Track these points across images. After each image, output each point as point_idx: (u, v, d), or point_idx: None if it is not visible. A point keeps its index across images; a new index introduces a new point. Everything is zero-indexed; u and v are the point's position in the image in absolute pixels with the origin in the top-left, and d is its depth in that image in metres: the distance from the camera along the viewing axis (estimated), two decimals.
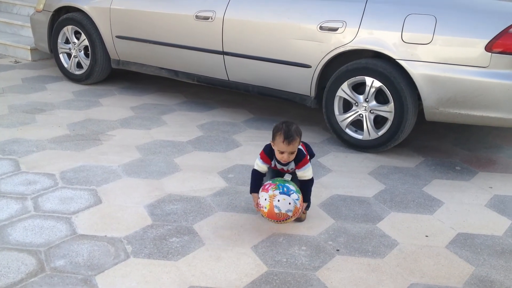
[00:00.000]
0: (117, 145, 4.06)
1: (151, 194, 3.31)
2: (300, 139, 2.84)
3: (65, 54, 5.69)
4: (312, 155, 3.05)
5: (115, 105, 5.01)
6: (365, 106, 3.98)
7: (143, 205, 3.17)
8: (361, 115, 4.02)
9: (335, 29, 3.98)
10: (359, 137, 4.07)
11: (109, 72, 5.55)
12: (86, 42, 5.40)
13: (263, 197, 2.81)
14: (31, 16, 6.15)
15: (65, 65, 5.68)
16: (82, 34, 5.41)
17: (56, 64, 5.78)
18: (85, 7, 5.35)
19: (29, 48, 6.52)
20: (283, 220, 2.80)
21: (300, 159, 2.88)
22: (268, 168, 2.98)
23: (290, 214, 2.78)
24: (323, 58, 4.07)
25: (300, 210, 2.84)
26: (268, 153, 2.90)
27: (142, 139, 4.19)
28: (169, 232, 2.89)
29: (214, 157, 3.92)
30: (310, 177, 2.92)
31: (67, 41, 5.62)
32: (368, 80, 3.92)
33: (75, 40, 5.52)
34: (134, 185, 3.42)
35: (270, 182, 2.86)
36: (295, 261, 2.68)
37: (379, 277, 2.58)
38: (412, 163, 3.92)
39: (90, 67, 5.46)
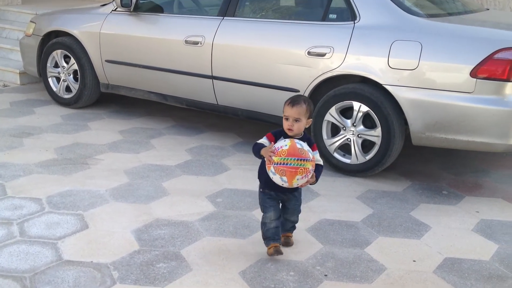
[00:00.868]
0: (105, 169, 4.04)
1: (138, 219, 3.29)
2: (308, 110, 2.72)
3: (54, 78, 5.69)
4: None
5: (103, 129, 5.01)
6: (353, 131, 4.01)
7: (130, 230, 3.15)
8: (349, 139, 4.05)
9: (323, 55, 4.03)
10: (347, 161, 4.09)
11: (98, 96, 5.56)
12: (75, 66, 5.42)
13: (282, 141, 2.69)
14: (20, 40, 6.17)
15: (54, 89, 5.68)
16: (72, 58, 5.43)
17: (45, 88, 5.78)
18: (74, 32, 5.37)
19: (18, 71, 6.52)
20: (303, 160, 2.60)
21: (312, 142, 2.79)
22: (268, 195, 2.85)
23: (310, 155, 2.65)
24: (311, 83, 4.11)
25: (311, 171, 2.67)
26: (274, 133, 2.80)
27: (130, 163, 4.18)
28: (156, 258, 2.87)
29: (202, 181, 3.92)
30: (322, 163, 2.82)
31: (56, 65, 5.63)
32: (356, 104, 3.96)
33: (64, 64, 5.54)
34: (121, 210, 3.40)
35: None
36: (283, 286, 2.67)
37: None
38: (400, 187, 3.94)
39: (79, 91, 5.46)
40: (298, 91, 4.17)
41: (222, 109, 4.72)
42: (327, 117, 4.08)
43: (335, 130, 4.14)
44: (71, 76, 5.54)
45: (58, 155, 4.28)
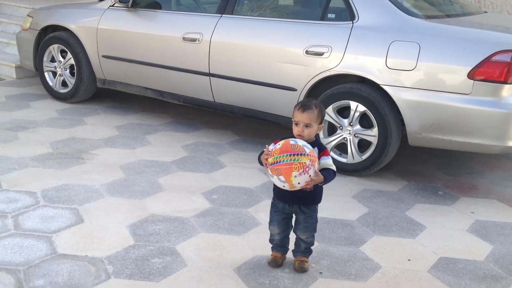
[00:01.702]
0: (100, 164, 4.03)
1: (133, 214, 3.28)
2: (320, 115, 2.61)
3: (50, 73, 5.67)
4: None
5: (99, 124, 4.99)
6: (350, 130, 4.02)
7: (125, 225, 3.14)
8: (345, 139, 4.05)
9: (321, 54, 4.03)
10: (343, 160, 4.09)
11: (94, 91, 5.54)
12: (72, 61, 5.40)
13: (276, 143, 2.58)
14: (17, 34, 6.14)
15: (50, 83, 5.66)
16: (68, 53, 5.41)
17: (41, 82, 5.75)
18: (72, 26, 5.35)
19: (14, 65, 6.49)
20: (296, 154, 2.44)
21: (323, 148, 2.64)
22: (275, 207, 2.75)
23: (307, 150, 2.46)
24: (308, 82, 4.11)
25: (316, 164, 2.48)
26: (282, 139, 2.64)
27: (126, 159, 4.17)
28: (151, 253, 2.86)
29: (198, 177, 3.91)
30: (334, 169, 2.62)
31: (52, 60, 5.61)
32: (353, 104, 3.96)
33: (61, 59, 5.52)
34: (116, 205, 3.39)
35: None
36: (278, 283, 2.67)
37: None
38: (395, 187, 3.95)
39: (75, 86, 5.44)
40: (295, 89, 4.17)
41: (219, 107, 4.71)
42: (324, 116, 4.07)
43: (331, 129, 4.14)
44: (68, 70, 5.52)
45: (53, 149, 4.27)
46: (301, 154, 2.44)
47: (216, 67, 4.53)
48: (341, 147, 4.12)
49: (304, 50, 4.09)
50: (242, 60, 4.40)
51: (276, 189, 2.67)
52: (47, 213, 3.22)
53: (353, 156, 4.04)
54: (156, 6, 5.07)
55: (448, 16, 4.34)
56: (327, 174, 2.57)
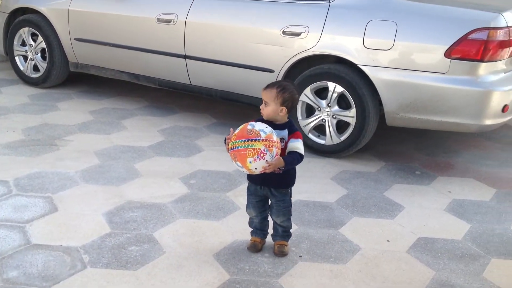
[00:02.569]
0: (74, 151, 3.94)
1: (109, 201, 3.22)
2: (279, 96, 2.53)
3: (21, 57, 5.52)
4: None
5: (73, 109, 4.88)
6: (328, 111, 3.99)
7: (101, 213, 3.08)
8: (323, 120, 4.03)
9: (298, 34, 3.98)
10: (322, 142, 4.07)
11: (67, 75, 5.41)
12: (43, 45, 5.26)
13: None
14: None
15: (21, 68, 5.51)
16: (39, 36, 5.26)
17: (12, 67, 5.60)
18: (42, 9, 5.20)
19: None
20: (250, 140, 2.41)
21: (294, 130, 2.59)
22: (249, 190, 2.72)
23: (262, 135, 2.41)
24: (286, 63, 4.06)
25: (274, 149, 2.42)
26: (257, 119, 2.62)
27: (101, 144, 4.09)
28: (128, 241, 2.81)
29: (175, 162, 3.86)
30: (302, 153, 2.57)
31: (23, 43, 5.46)
32: (331, 85, 3.93)
33: (32, 43, 5.37)
34: (92, 192, 3.32)
35: None
36: (257, 268, 2.65)
37: (341, 283, 2.57)
38: (374, 168, 3.95)
39: (47, 70, 5.31)
40: (272, 71, 4.12)
41: (195, 90, 4.64)
42: (302, 97, 4.04)
43: (310, 110, 4.11)
44: (39, 54, 5.37)
45: (25, 136, 4.16)
46: (255, 140, 2.41)
47: (192, 49, 4.45)
48: (320, 129, 4.10)
49: (281, 31, 4.03)
50: (218, 42, 4.33)
51: (251, 174, 2.62)
52: (20, 202, 3.14)
53: (331, 137, 4.02)
54: None
55: None
56: (289, 158, 2.53)
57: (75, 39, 5.05)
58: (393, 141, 4.49)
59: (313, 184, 3.62)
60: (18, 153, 3.84)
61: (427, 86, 3.62)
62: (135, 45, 4.74)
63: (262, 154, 2.40)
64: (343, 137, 3.98)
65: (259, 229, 2.81)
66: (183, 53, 4.50)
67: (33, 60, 5.41)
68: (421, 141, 4.53)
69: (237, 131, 2.49)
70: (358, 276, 2.63)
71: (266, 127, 2.47)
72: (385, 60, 3.71)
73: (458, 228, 3.13)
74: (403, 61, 3.67)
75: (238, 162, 2.46)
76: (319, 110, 4.03)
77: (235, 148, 2.44)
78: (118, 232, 2.89)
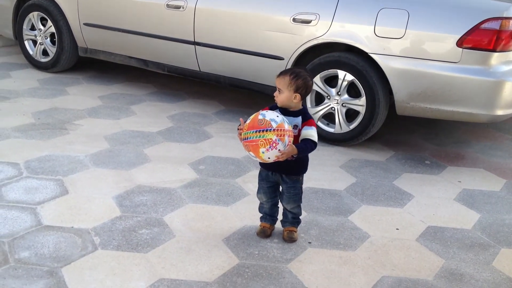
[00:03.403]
0: (84, 135, 3.95)
1: (119, 185, 3.23)
2: (292, 83, 2.52)
3: (31, 41, 5.52)
4: None
5: (82, 94, 4.88)
6: (337, 100, 3.98)
7: (111, 196, 3.09)
8: (333, 109, 4.02)
9: (308, 22, 3.96)
10: (331, 130, 4.06)
11: (76, 60, 5.41)
12: (53, 29, 5.25)
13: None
14: None
15: (31, 52, 5.51)
16: (49, 20, 5.25)
17: (21, 51, 5.60)
18: None
19: None
20: (261, 131, 2.40)
21: (308, 117, 2.58)
22: (261, 176, 2.74)
23: (274, 125, 2.40)
24: (296, 51, 4.04)
25: (286, 138, 2.41)
26: (271, 107, 2.61)
27: (111, 129, 4.10)
28: (139, 224, 2.83)
29: (184, 148, 3.86)
30: (315, 140, 2.55)
31: (32, 28, 5.45)
32: (341, 73, 3.92)
33: (41, 27, 5.36)
34: (102, 176, 3.33)
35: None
36: (267, 253, 2.66)
37: (350, 269, 2.58)
38: (383, 157, 3.94)
39: (56, 55, 5.30)
40: (282, 58, 4.10)
41: (204, 76, 4.63)
42: None
43: (319, 99, 4.10)
44: (48, 39, 5.37)
45: (35, 120, 4.17)
46: (267, 130, 2.40)
47: (201, 35, 4.44)
48: (329, 117, 4.09)
49: (291, 18, 4.01)
50: (228, 28, 4.31)
51: None
52: (31, 184, 3.15)
53: (340, 126, 4.01)
54: None
55: None
56: (302, 145, 2.53)
57: (85, 24, 5.04)
58: (402, 130, 4.48)
59: (322, 172, 3.61)
60: (29, 136, 3.85)
61: (439, 76, 3.60)
62: (144, 31, 4.72)
63: (274, 144, 2.40)
64: (352, 126, 3.97)
65: (268, 215, 2.81)
66: (193, 40, 4.49)
67: (42, 44, 5.41)
68: (431, 131, 4.52)
69: (248, 121, 2.49)
70: (367, 263, 2.63)
71: (277, 116, 2.46)
72: (396, 49, 3.69)
73: (468, 218, 3.13)
74: (414, 50, 3.65)
75: (251, 153, 2.47)
76: (329, 99, 4.02)
77: (247, 138, 2.44)
78: (129, 215, 2.90)
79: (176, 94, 5.08)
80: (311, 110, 4.08)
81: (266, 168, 2.68)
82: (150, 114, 4.50)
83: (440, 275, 2.57)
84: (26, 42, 5.52)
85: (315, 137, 2.55)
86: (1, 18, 5.74)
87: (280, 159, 2.47)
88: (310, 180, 3.45)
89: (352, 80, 3.88)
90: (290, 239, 2.77)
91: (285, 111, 2.57)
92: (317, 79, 4.00)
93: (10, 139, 3.77)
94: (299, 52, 4.04)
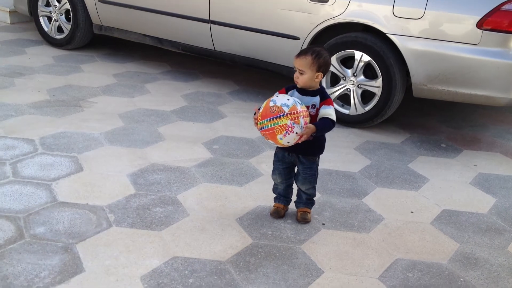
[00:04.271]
0: (98, 112, 3.95)
1: (134, 163, 3.24)
2: (315, 62, 2.48)
3: (45, 18, 5.50)
4: None
5: (96, 72, 4.88)
6: (353, 81, 3.94)
7: (125, 174, 3.10)
8: (348, 90, 3.98)
9: (325, 1, 3.90)
10: (346, 111, 4.03)
11: (90, 37, 5.40)
12: (68, 6, 5.23)
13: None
14: None
15: (45, 29, 5.51)
16: None
17: (36, 27, 5.59)
18: None
19: (8, 10, 6.30)
20: (274, 118, 2.39)
21: (326, 97, 2.55)
22: (276, 156, 2.72)
23: (286, 109, 2.38)
24: (312, 30, 3.99)
25: (301, 119, 2.40)
26: (288, 87, 2.61)
27: (125, 107, 4.10)
28: (153, 202, 2.84)
29: (198, 127, 3.85)
30: (334, 119, 2.52)
31: (47, 4, 5.43)
32: (357, 54, 3.87)
33: (56, 3, 5.34)
34: (116, 154, 3.34)
35: None
36: (280, 234, 2.65)
37: (364, 251, 2.57)
38: (398, 140, 3.91)
39: (71, 32, 5.29)
40: (298, 38, 4.06)
41: (219, 55, 4.60)
42: None
43: (334, 79, 4.06)
44: (63, 16, 5.35)
45: (50, 97, 4.18)
46: (280, 117, 2.39)
47: (217, 14, 4.39)
48: (344, 98, 4.05)
49: None
50: (243, 7, 4.26)
51: None
52: (46, 161, 3.17)
53: (356, 107, 3.97)
54: None
55: None
56: (321, 123, 2.51)
57: (100, 1, 5.02)
58: (418, 113, 4.43)
59: (337, 153, 3.59)
60: (44, 113, 3.86)
61: (457, 57, 3.54)
62: (160, 9, 4.69)
63: (290, 129, 2.40)
64: (367, 108, 3.94)
65: (283, 196, 2.81)
66: (208, 18, 4.45)
67: (57, 21, 5.40)
68: (447, 114, 4.47)
69: (261, 110, 2.47)
70: (381, 245, 2.62)
71: (288, 99, 2.43)
72: (415, 30, 3.63)
73: (484, 202, 3.10)
74: (433, 31, 3.59)
75: (269, 141, 2.47)
76: (344, 80, 3.98)
77: (263, 128, 2.45)
78: (143, 193, 2.91)
79: (190, 73, 5.06)
80: (327, 91, 4.02)
81: (283, 149, 2.66)
82: (165, 93, 4.49)
83: (454, 259, 2.56)
84: (41, 19, 5.51)
85: (333, 116, 2.53)
86: None
87: (301, 141, 2.47)
88: (325, 161, 3.42)
89: (368, 61, 3.83)
90: (303, 220, 2.76)
91: (303, 91, 2.55)
92: (333, 60, 3.95)
93: (25, 115, 3.79)
94: (316, 32, 3.99)
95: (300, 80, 2.53)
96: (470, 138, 4.03)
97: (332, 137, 3.81)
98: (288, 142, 2.46)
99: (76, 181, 2.97)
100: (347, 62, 3.97)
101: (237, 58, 4.50)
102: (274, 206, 2.82)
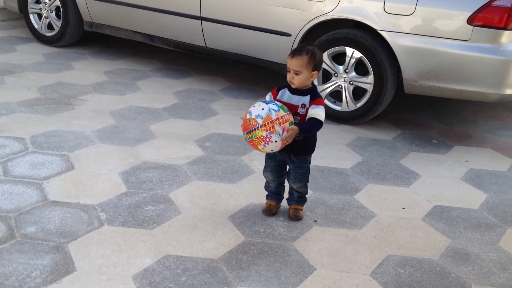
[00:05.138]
0: (89, 110, 3.93)
1: (125, 161, 3.23)
2: (311, 61, 2.46)
3: (36, 15, 5.47)
4: None
5: (87, 69, 4.86)
6: (345, 77, 3.94)
7: (117, 172, 3.09)
8: (340, 86, 3.98)
9: None
10: (338, 108, 4.03)
11: (81, 34, 5.37)
12: (58, 3, 5.20)
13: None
14: None
15: (36, 26, 5.47)
16: None
17: (26, 25, 5.55)
18: None
19: None
20: (251, 131, 2.42)
21: (316, 96, 2.52)
22: (268, 154, 2.69)
23: (259, 121, 2.39)
24: (303, 27, 3.99)
25: (277, 127, 2.39)
26: (279, 87, 2.60)
27: (116, 105, 4.08)
28: (144, 200, 2.83)
29: (190, 125, 3.84)
30: (321, 119, 2.50)
31: (37, 1, 5.40)
32: (349, 50, 3.87)
33: (46, 0, 5.31)
34: (107, 152, 3.33)
35: None
36: (272, 231, 2.66)
37: (356, 248, 2.57)
38: (389, 136, 3.92)
39: (61, 29, 5.26)
40: (289, 35, 4.05)
41: (210, 52, 4.59)
42: None
43: (326, 76, 4.06)
44: (53, 13, 5.32)
45: (41, 95, 4.15)
46: (255, 129, 2.41)
47: (208, 10, 4.38)
48: (336, 95, 4.05)
49: None
50: (235, 3, 4.25)
51: None
52: (36, 160, 3.15)
53: (347, 104, 3.98)
54: None
55: None
56: (305, 125, 2.49)
57: None
58: (409, 109, 4.44)
59: (328, 150, 3.60)
60: (34, 111, 3.84)
61: (448, 53, 3.55)
62: (151, 5, 4.67)
63: (267, 139, 2.41)
64: (359, 104, 3.94)
65: (274, 193, 2.81)
66: (199, 15, 4.43)
67: (47, 18, 5.36)
68: (438, 110, 4.48)
69: (241, 123, 2.51)
70: (373, 242, 2.63)
71: (263, 109, 2.42)
72: (405, 26, 3.64)
73: (475, 198, 3.12)
74: (424, 27, 3.60)
75: (257, 150, 2.52)
76: (336, 76, 3.98)
77: (246, 139, 2.50)
78: (134, 192, 2.90)
79: (182, 70, 5.05)
80: (318, 87, 4.03)
81: None
82: (156, 90, 4.47)
83: (446, 254, 2.57)
84: (31, 16, 5.47)
85: (321, 116, 2.50)
86: None
87: (287, 143, 2.46)
88: (316, 158, 3.43)
89: (360, 57, 3.84)
90: (295, 217, 2.76)
91: (294, 90, 2.54)
92: (325, 56, 3.95)
93: (16, 114, 3.76)
94: (307, 29, 3.99)
95: (296, 80, 2.50)
96: (461, 134, 4.05)
97: (324, 134, 3.82)
98: (272, 150, 2.49)
99: (67, 180, 2.96)
100: (339, 58, 3.98)
101: (229, 55, 4.49)
102: (266, 204, 2.82)
